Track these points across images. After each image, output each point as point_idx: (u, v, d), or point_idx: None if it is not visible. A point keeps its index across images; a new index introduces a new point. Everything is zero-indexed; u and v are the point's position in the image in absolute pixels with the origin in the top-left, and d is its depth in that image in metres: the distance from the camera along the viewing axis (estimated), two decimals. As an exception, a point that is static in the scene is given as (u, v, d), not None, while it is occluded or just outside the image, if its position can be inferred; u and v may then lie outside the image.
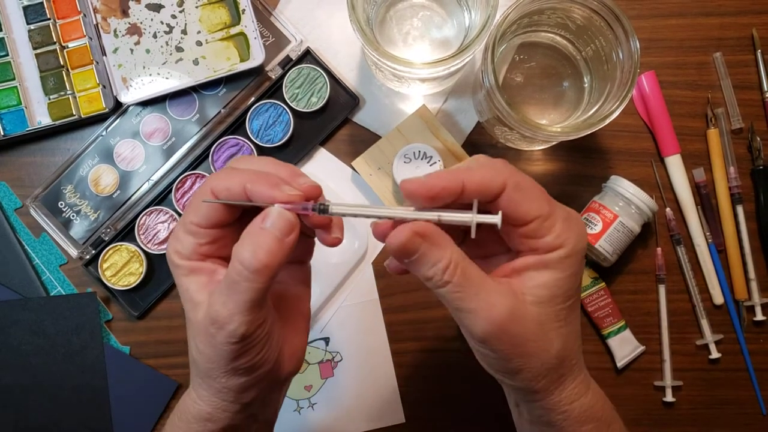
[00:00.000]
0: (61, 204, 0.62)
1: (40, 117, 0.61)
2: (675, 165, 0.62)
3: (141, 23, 0.61)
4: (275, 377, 0.38)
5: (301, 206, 0.35)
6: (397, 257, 0.35)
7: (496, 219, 0.34)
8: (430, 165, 0.58)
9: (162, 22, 0.61)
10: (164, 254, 0.61)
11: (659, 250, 0.62)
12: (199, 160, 0.62)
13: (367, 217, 0.35)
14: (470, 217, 0.34)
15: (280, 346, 0.38)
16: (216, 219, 0.36)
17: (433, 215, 0.34)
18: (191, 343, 0.37)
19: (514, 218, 0.35)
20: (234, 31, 0.60)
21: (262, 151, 0.62)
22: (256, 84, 0.62)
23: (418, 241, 0.34)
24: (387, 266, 0.39)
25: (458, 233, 0.39)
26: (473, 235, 0.34)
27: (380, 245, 0.62)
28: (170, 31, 0.61)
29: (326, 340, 0.62)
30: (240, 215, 0.38)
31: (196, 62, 0.60)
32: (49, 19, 0.61)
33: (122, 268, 0.61)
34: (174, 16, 0.61)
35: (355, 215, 0.36)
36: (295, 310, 0.41)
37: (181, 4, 0.61)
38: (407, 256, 0.34)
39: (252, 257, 0.33)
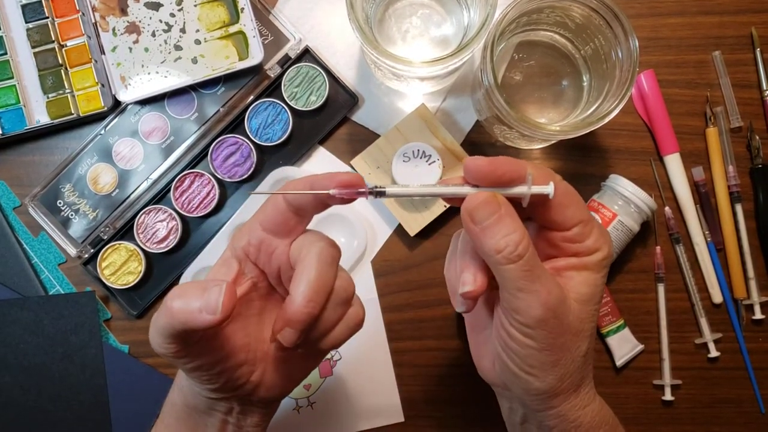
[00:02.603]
0: (60, 203, 0.62)
1: (39, 116, 0.61)
2: (674, 164, 0.62)
3: (140, 22, 0.61)
4: (242, 393, 0.39)
5: (357, 191, 0.35)
6: (473, 219, 0.34)
7: (548, 189, 0.35)
8: (429, 164, 0.58)
9: (161, 21, 0.61)
10: (162, 253, 0.61)
11: (658, 248, 0.62)
12: (197, 158, 0.62)
13: (423, 196, 0.36)
14: (525, 189, 0.35)
15: (247, 372, 0.38)
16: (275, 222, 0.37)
17: (489, 191, 0.35)
18: None
19: (560, 221, 0.37)
20: (233, 29, 0.60)
21: (261, 149, 0.62)
22: (255, 83, 0.62)
23: (496, 205, 0.34)
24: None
25: None
26: (525, 204, 0.35)
27: (379, 244, 0.62)
28: (169, 30, 0.61)
29: (325, 339, 0.62)
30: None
31: (194, 61, 0.60)
32: (48, 17, 0.61)
33: (121, 266, 0.61)
34: (173, 15, 0.61)
35: (411, 195, 0.36)
36: (293, 363, 0.41)
37: (179, 2, 0.61)
38: (486, 216, 0.34)
39: (172, 304, 0.33)
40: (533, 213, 0.38)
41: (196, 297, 0.32)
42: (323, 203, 0.36)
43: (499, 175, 0.35)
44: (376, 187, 0.35)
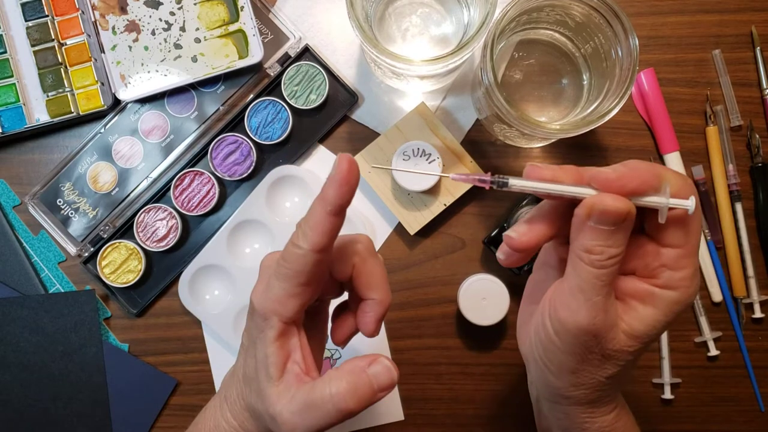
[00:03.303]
0: (60, 201, 0.62)
1: (39, 114, 0.61)
2: (674, 162, 0.62)
3: (139, 20, 0.61)
4: None
5: (479, 177, 0.34)
6: (591, 216, 0.32)
7: (689, 204, 0.32)
8: (429, 162, 0.58)
9: (160, 19, 0.60)
10: (162, 252, 0.61)
11: (658, 247, 0.62)
12: (197, 157, 0.62)
13: (550, 192, 0.33)
14: (665, 201, 0.32)
15: None
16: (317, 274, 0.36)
17: (627, 202, 0.32)
18: (247, 388, 0.39)
19: (664, 236, 0.34)
20: (232, 28, 0.60)
21: (260, 148, 0.62)
22: (255, 81, 0.62)
23: (622, 219, 0.32)
24: (501, 257, 0.37)
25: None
26: (663, 220, 0.33)
27: (379, 243, 0.62)
28: (168, 28, 0.61)
29: (325, 337, 0.62)
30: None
31: (194, 59, 0.60)
32: (47, 15, 0.61)
33: (121, 265, 0.61)
34: (172, 13, 0.61)
35: (534, 191, 0.33)
36: None
37: (179, 1, 0.60)
38: (606, 223, 0.32)
39: (347, 407, 0.37)
40: (644, 212, 0.34)
41: (368, 389, 0.37)
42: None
43: (630, 191, 0.32)
44: (500, 177, 0.34)
